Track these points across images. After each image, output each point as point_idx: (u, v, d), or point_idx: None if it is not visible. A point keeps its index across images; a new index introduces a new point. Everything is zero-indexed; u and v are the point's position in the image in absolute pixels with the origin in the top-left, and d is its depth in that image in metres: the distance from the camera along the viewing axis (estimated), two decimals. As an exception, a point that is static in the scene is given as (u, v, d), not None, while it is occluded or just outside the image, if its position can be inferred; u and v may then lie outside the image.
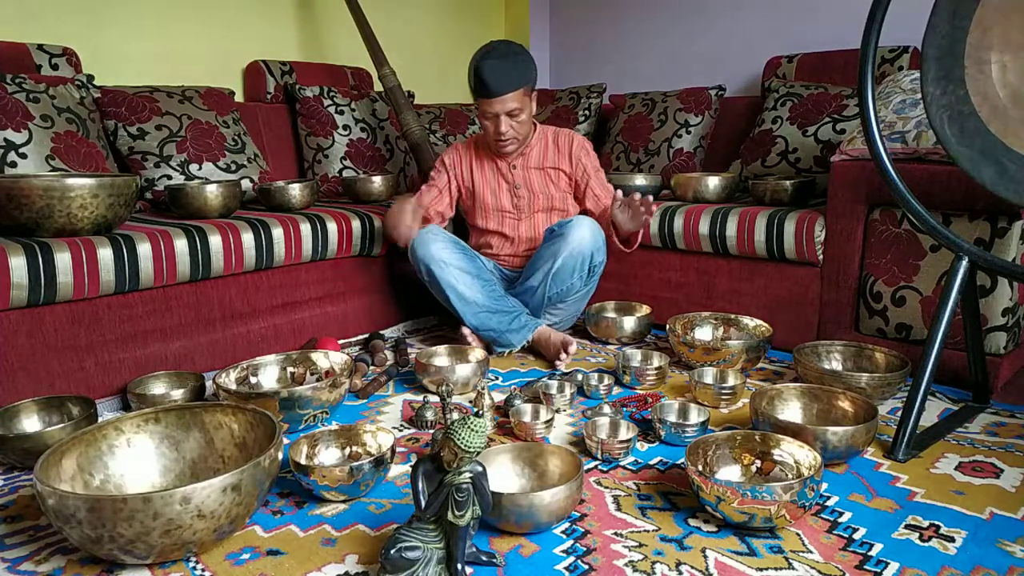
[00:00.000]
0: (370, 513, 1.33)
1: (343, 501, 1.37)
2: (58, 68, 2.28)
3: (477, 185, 2.35)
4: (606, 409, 1.68)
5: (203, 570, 1.16)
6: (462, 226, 2.56)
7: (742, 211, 2.21)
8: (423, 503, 1.09)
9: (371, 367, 2.14)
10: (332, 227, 2.20)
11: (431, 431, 1.70)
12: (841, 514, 1.30)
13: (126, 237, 1.78)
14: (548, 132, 2.35)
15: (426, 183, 2.41)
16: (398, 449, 1.59)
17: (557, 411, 1.78)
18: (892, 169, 1.63)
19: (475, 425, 1.06)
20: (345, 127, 2.79)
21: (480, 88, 2.12)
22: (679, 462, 1.51)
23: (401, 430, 1.71)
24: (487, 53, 2.12)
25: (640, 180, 2.59)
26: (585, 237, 2.14)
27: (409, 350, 2.27)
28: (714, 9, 3.20)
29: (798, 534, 1.23)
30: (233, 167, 2.44)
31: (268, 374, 1.86)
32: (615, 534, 1.24)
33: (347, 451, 1.50)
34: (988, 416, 1.73)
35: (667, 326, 2.12)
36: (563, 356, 2.09)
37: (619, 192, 2.12)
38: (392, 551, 1.06)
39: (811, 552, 1.18)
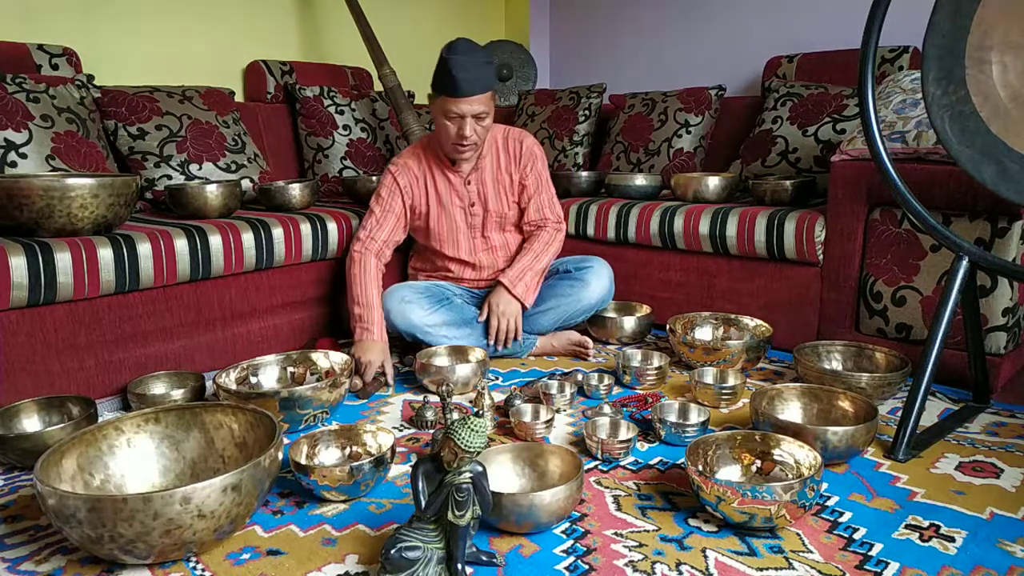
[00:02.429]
0: (370, 513, 1.33)
1: (343, 501, 1.37)
2: (58, 68, 2.28)
3: (432, 207, 2.14)
4: (606, 409, 1.68)
5: (203, 570, 1.16)
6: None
7: (742, 211, 2.21)
8: (423, 503, 1.09)
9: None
10: (332, 227, 2.20)
11: (431, 431, 1.70)
12: (841, 514, 1.30)
13: (126, 237, 1.78)
14: (497, 135, 2.17)
15: (376, 205, 2.11)
16: (398, 449, 1.59)
17: (557, 411, 1.78)
18: (892, 169, 1.63)
19: (475, 425, 1.06)
20: (345, 127, 2.79)
21: (448, 86, 1.92)
22: (679, 462, 1.51)
23: (401, 430, 1.71)
24: (456, 48, 1.93)
25: (640, 180, 2.59)
26: (604, 287, 2.19)
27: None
28: (714, 9, 3.20)
29: (798, 534, 1.23)
30: (233, 167, 2.44)
31: (268, 374, 1.86)
32: (615, 534, 1.24)
33: (347, 451, 1.50)
34: (988, 416, 1.72)
35: (667, 326, 2.12)
36: (586, 348, 2.16)
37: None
38: (392, 551, 1.06)
39: (811, 552, 1.18)
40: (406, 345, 2.19)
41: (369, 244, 2.08)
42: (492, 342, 2.11)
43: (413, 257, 2.36)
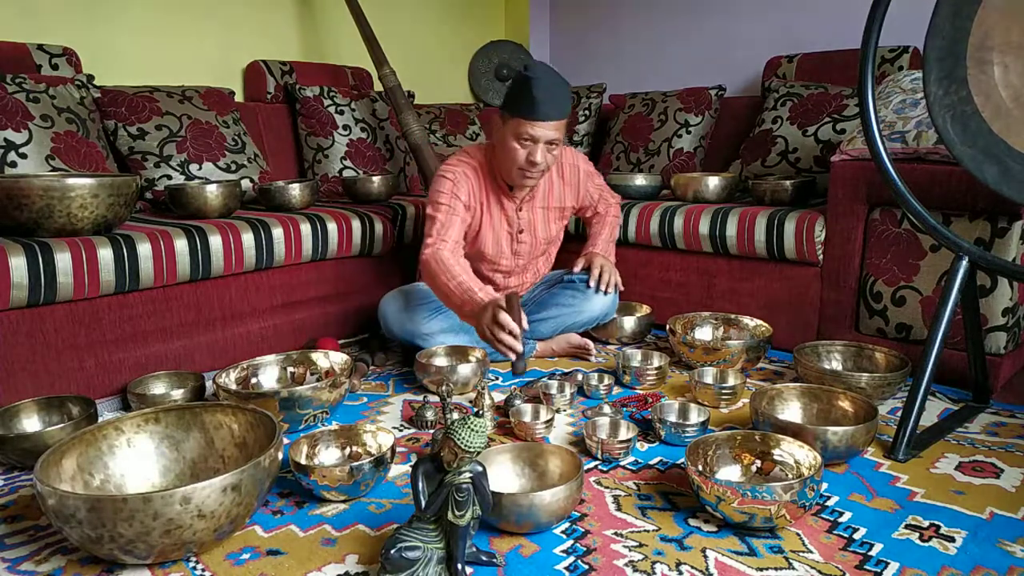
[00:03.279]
0: (370, 513, 1.33)
1: (343, 501, 1.37)
2: (58, 68, 2.28)
3: (483, 228, 2.06)
4: (606, 409, 1.68)
5: (203, 570, 1.16)
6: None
7: (742, 211, 2.21)
8: (423, 503, 1.09)
9: (371, 367, 2.14)
10: (332, 227, 2.20)
11: (431, 431, 1.70)
12: (841, 514, 1.30)
13: (126, 237, 1.78)
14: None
15: (437, 212, 1.95)
16: (398, 449, 1.59)
17: (557, 411, 1.78)
18: (892, 169, 1.63)
19: (475, 425, 1.06)
20: (345, 127, 2.79)
21: (528, 108, 1.81)
22: (679, 462, 1.51)
23: (401, 430, 1.71)
24: (538, 70, 1.83)
25: (640, 180, 2.59)
26: (607, 301, 2.18)
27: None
28: (714, 9, 3.20)
29: (798, 534, 1.23)
30: (233, 167, 2.44)
31: (268, 374, 1.86)
32: (615, 534, 1.24)
33: (347, 451, 1.50)
34: (988, 416, 1.72)
35: (667, 326, 2.12)
36: (588, 348, 2.16)
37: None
38: (392, 551, 1.06)
39: (811, 552, 1.18)
40: (406, 349, 2.19)
41: (440, 245, 1.92)
42: (595, 284, 2.13)
43: None
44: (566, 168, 2.14)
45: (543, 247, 2.20)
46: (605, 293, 2.14)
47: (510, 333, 1.64)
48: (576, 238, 2.58)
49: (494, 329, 1.65)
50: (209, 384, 1.91)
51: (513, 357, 1.66)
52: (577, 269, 2.19)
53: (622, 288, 2.20)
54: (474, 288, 1.80)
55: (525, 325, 1.70)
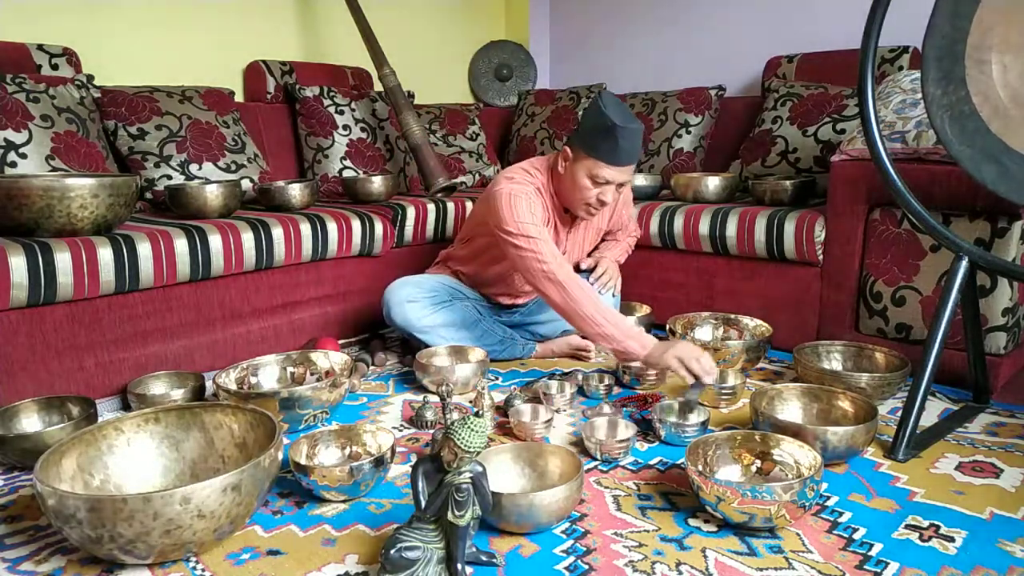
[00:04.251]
0: (370, 513, 1.33)
1: (343, 501, 1.37)
2: (58, 68, 2.28)
3: None
4: (606, 409, 1.68)
5: (203, 570, 1.16)
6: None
7: (742, 211, 2.21)
8: (423, 503, 1.09)
9: (371, 367, 2.14)
10: (332, 227, 2.20)
11: (431, 431, 1.70)
12: (841, 514, 1.30)
13: (126, 237, 1.78)
14: None
15: (532, 226, 1.84)
16: (398, 449, 1.59)
17: (557, 411, 1.78)
18: (892, 169, 1.63)
19: (475, 425, 1.06)
20: (345, 127, 2.79)
21: (611, 154, 1.80)
22: (679, 462, 1.51)
23: (401, 430, 1.71)
24: (622, 115, 1.79)
25: (640, 180, 2.59)
26: (608, 301, 2.17)
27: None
28: (714, 9, 3.20)
29: (798, 534, 1.23)
30: (233, 167, 2.44)
31: (268, 374, 1.86)
32: (615, 534, 1.24)
33: (347, 451, 1.50)
34: (988, 416, 1.73)
35: (667, 326, 2.12)
36: (588, 349, 2.16)
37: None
38: (392, 551, 1.06)
39: (811, 552, 1.18)
40: (405, 345, 2.19)
41: (561, 260, 1.83)
42: (595, 282, 2.16)
43: (458, 249, 2.22)
44: None
45: (573, 263, 2.22)
46: (601, 293, 2.15)
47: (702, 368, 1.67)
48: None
49: (693, 361, 1.66)
50: (209, 384, 1.91)
51: (691, 381, 1.68)
52: (584, 266, 2.20)
53: (617, 293, 2.22)
54: (633, 328, 1.77)
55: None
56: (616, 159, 1.82)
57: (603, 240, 2.32)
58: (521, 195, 1.88)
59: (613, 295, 2.20)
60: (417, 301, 2.06)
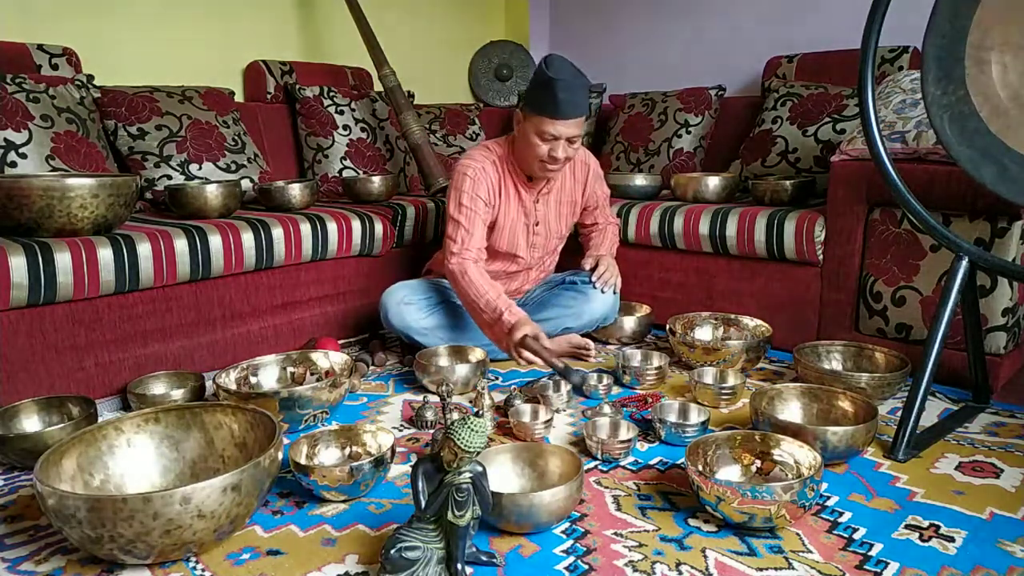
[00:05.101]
0: (370, 513, 1.33)
1: (343, 501, 1.37)
2: (58, 68, 2.28)
3: (499, 221, 2.08)
4: (606, 409, 1.68)
5: (203, 570, 1.16)
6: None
7: (742, 211, 2.21)
8: (423, 503, 1.09)
9: (371, 367, 2.14)
10: (332, 227, 2.20)
11: (431, 431, 1.70)
12: (841, 514, 1.30)
13: (126, 237, 1.78)
14: None
15: (459, 214, 1.99)
16: (398, 449, 1.59)
17: (556, 411, 1.78)
18: (892, 169, 1.63)
19: (475, 425, 1.06)
20: (345, 127, 2.79)
21: (550, 107, 1.86)
22: (679, 462, 1.51)
23: (401, 430, 1.71)
24: (559, 68, 1.86)
25: (640, 180, 2.59)
26: (608, 303, 2.19)
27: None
28: (714, 9, 3.20)
29: (798, 534, 1.23)
30: (233, 167, 2.44)
31: (268, 374, 1.86)
32: (615, 534, 1.24)
33: (347, 451, 1.50)
34: (988, 416, 1.73)
35: (667, 326, 2.12)
36: (588, 350, 2.16)
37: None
38: (392, 551, 1.06)
39: (811, 552, 1.18)
40: (404, 345, 2.19)
41: (465, 255, 1.98)
42: (596, 279, 2.16)
43: (441, 263, 2.20)
44: (577, 164, 2.17)
45: (555, 242, 2.24)
46: (603, 291, 2.16)
47: (529, 359, 1.86)
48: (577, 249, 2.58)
49: (518, 353, 1.87)
50: (209, 384, 1.91)
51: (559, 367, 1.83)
52: (587, 266, 2.21)
53: (616, 291, 2.22)
54: (502, 308, 1.91)
55: (558, 363, 1.85)
56: (557, 112, 1.87)
57: (587, 228, 2.32)
58: (466, 172, 2.01)
59: (614, 292, 2.20)
60: (413, 303, 2.08)
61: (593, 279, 2.16)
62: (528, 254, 2.18)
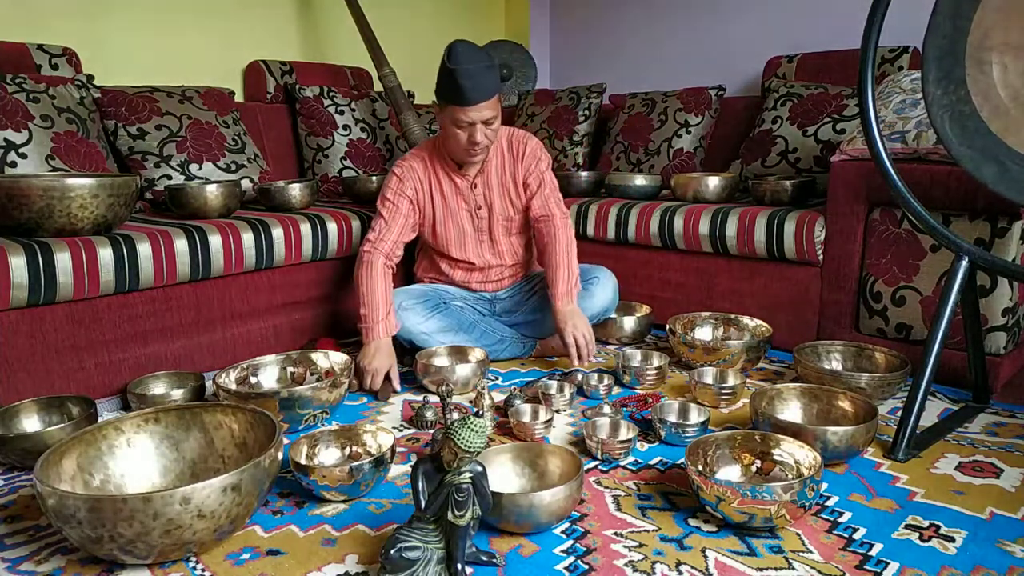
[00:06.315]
0: (370, 513, 1.33)
1: (343, 501, 1.37)
2: (58, 68, 2.28)
3: (439, 210, 2.12)
4: (606, 409, 1.68)
5: (203, 570, 1.16)
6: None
7: (742, 211, 2.21)
8: (423, 503, 1.09)
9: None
10: (332, 227, 2.20)
11: (431, 431, 1.70)
12: (841, 514, 1.30)
13: (126, 237, 1.78)
14: (502, 137, 2.13)
15: (383, 208, 2.08)
16: (398, 449, 1.59)
17: (557, 411, 1.78)
18: (892, 169, 1.63)
19: (475, 425, 1.06)
20: (345, 127, 2.79)
21: (456, 95, 1.90)
22: (679, 462, 1.51)
23: (401, 430, 1.71)
24: (458, 56, 1.89)
25: (640, 180, 2.59)
26: (608, 298, 2.18)
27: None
28: (714, 9, 3.20)
29: (798, 534, 1.23)
30: (233, 167, 2.44)
31: (268, 374, 1.86)
32: (615, 534, 1.24)
33: (347, 451, 1.50)
34: (988, 416, 1.73)
35: (667, 326, 2.12)
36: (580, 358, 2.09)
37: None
38: (392, 551, 1.06)
39: (811, 552, 1.18)
40: (403, 348, 2.19)
41: (379, 245, 2.04)
42: (577, 363, 1.99)
43: (419, 262, 2.33)
44: (515, 143, 2.15)
45: (504, 225, 2.16)
46: (587, 363, 2.02)
47: (365, 385, 1.92)
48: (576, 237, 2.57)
49: (362, 373, 1.92)
50: (209, 384, 1.91)
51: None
52: (558, 344, 2.09)
53: (594, 357, 2.09)
54: (373, 318, 1.97)
55: (396, 386, 1.93)
56: (464, 99, 1.90)
57: (537, 220, 2.13)
58: (394, 171, 2.11)
59: (593, 358, 2.03)
60: (411, 308, 2.08)
61: (571, 360, 1.99)
62: (475, 242, 2.16)
